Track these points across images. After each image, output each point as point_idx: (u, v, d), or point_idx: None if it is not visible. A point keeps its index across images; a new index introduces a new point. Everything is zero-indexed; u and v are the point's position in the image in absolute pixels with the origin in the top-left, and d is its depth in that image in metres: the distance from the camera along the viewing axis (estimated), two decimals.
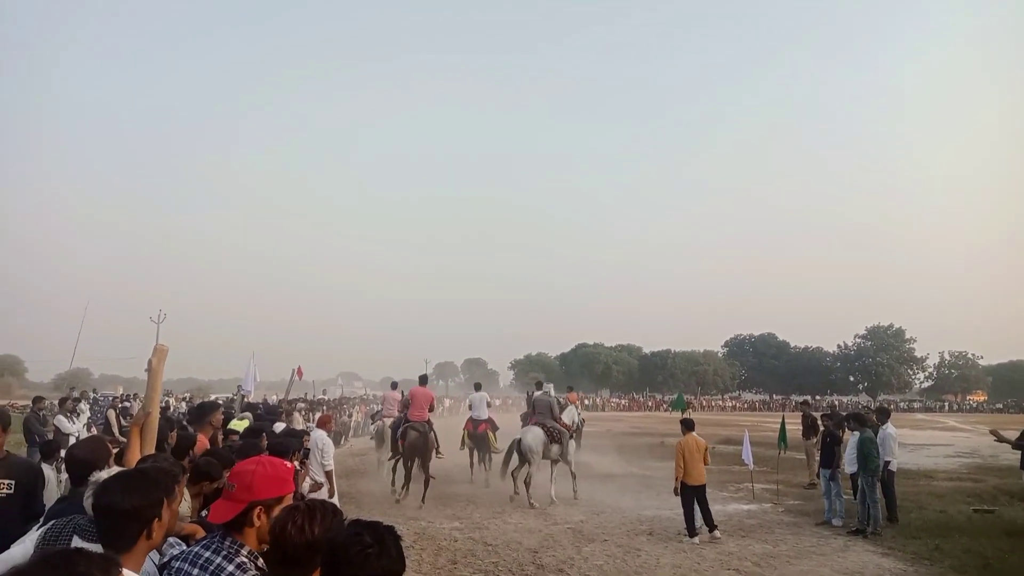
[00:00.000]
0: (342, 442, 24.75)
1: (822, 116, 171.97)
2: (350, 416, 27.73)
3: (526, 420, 13.48)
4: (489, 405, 15.74)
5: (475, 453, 15.15)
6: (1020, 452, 10.81)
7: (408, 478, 12.22)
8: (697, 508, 9.63)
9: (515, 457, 12.51)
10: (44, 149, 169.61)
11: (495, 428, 14.87)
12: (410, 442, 11.98)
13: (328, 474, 8.62)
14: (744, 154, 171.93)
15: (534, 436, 12.22)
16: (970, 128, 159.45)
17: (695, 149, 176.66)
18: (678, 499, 12.75)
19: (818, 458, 11.88)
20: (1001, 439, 10.51)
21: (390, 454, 13.26)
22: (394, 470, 12.87)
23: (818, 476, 11.91)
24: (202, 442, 5.14)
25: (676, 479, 9.80)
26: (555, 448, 12.39)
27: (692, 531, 9.44)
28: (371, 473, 15.59)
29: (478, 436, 14.75)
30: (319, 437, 8.78)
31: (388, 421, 14.27)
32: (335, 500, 8.74)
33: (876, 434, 11.18)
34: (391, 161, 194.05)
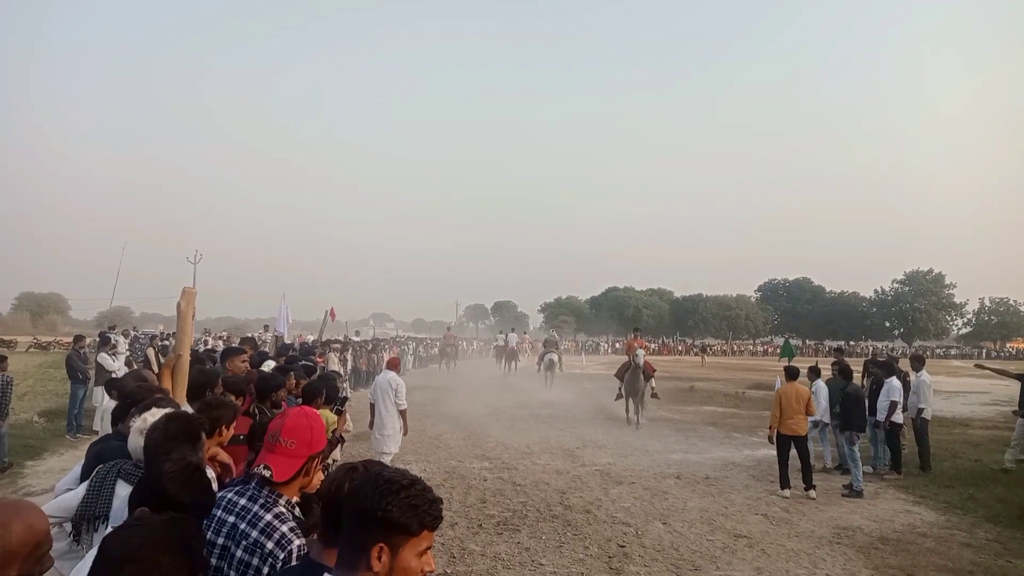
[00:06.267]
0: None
1: (860, 60, 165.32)
2: (381, 355, 27.97)
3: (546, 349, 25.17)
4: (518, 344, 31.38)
5: (506, 363, 29.66)
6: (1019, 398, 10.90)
7: (447, 364, 32.11)
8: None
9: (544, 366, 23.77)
10: (80, 96, 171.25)
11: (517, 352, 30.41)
12: (443, 350, 34.45)
13: (402, 412, 9.03)
14: (779, 98, 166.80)
15: (551, 355, 23.73)
16: (1016, 64, 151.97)
17: (729, 91, 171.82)
18: (705, 443, 12.98)
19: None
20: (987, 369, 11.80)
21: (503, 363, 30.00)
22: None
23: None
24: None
25: (771, 427, 9.56)
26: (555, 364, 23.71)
27: (785, 482, 9.15)
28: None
29: (509, 352, 29.95)
30: (392, 378, 9.20)
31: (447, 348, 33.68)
32: (399, 442, 9.23)
33: (909, 381, 11.10)
34: (421, 109, 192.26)
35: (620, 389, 15.91)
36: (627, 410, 15.37)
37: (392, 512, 1.51)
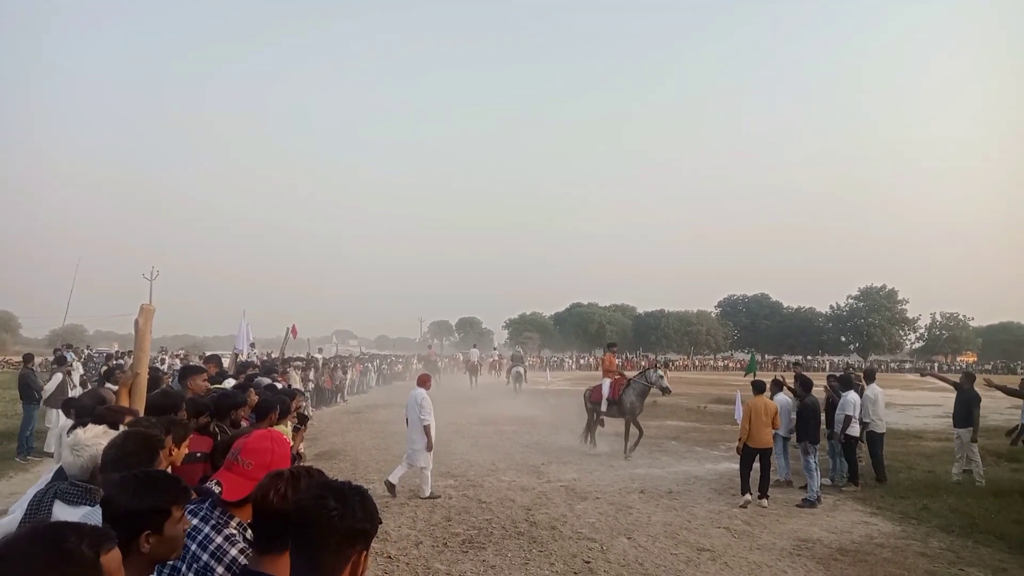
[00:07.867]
0: (337, 400, 24.79)
1: (818, 77, 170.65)
2: (345, 373, 27.50)
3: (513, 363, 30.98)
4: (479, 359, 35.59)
5: (470, 376, 32.37)
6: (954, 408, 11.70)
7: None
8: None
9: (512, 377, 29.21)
10: (35, 108, 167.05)
11: (478, 366, 33.87)
12: (426, 367, 30.96)
13: (426, 428, 9.35)
14: (742, 117, 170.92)
15: (518, 368, 29.80)
16: (969, 87, 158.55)
17: (683, 111, 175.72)
18: (668, 457, 13.09)
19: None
20: (995, 387, 11.75)
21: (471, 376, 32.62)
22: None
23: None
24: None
25: (739, 440, 9.83)
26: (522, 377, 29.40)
27: (745, 489, 9.44)
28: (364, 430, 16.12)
29: (471, 366, 33.35)
30: (418, 394, 9.60)
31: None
32: (429, 457, 9.43)
33: (861, 395, 11.30)
34: (388, 123, 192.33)
35: (596, 417, 13.97)
36: (626, 438, 13.15)
37: (378, 524, 1.71)
